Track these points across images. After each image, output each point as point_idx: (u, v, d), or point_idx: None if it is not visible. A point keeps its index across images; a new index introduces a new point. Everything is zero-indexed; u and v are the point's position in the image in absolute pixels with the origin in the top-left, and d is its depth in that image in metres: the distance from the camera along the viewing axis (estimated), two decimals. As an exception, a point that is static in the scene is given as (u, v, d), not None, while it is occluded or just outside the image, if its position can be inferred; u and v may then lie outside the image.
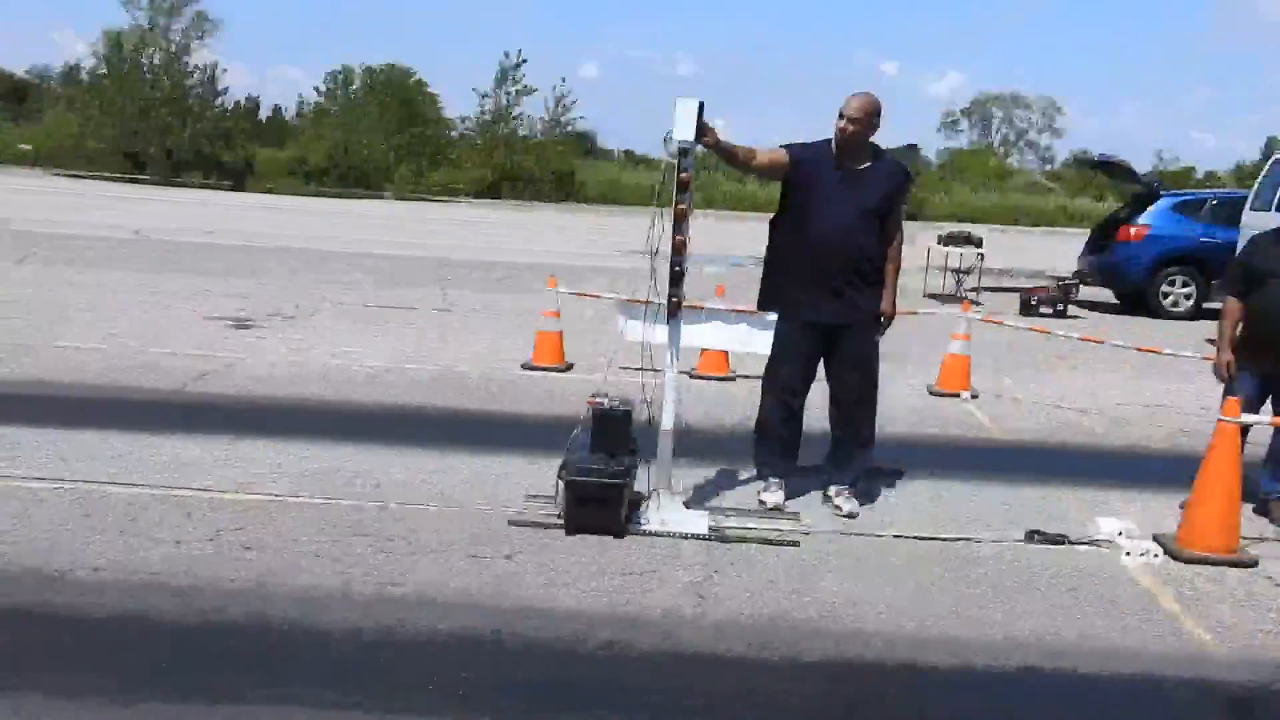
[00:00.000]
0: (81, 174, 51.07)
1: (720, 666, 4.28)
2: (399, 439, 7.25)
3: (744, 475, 6.72)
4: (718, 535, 5.73)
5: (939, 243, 17.84)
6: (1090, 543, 5.93)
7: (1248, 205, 14.27)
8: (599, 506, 5.62)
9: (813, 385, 6.35)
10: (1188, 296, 16.25)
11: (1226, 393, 6.33)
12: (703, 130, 5.57)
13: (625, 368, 9.83)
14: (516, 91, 56.70)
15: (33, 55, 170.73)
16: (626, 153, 72.18)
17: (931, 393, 9.88)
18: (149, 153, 55.18)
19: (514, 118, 57.19)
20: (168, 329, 10.99)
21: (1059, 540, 5.94)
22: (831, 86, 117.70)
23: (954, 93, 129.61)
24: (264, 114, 70.10)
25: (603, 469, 5.61)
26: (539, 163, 55.95)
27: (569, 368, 10.09)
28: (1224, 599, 5.24)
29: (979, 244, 17.61)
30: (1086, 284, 17.59)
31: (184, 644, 4.24)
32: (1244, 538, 6.07)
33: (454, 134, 61.57)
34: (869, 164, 6.03)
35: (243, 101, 66.38)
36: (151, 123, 54.71)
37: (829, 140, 6.02)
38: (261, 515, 5.66)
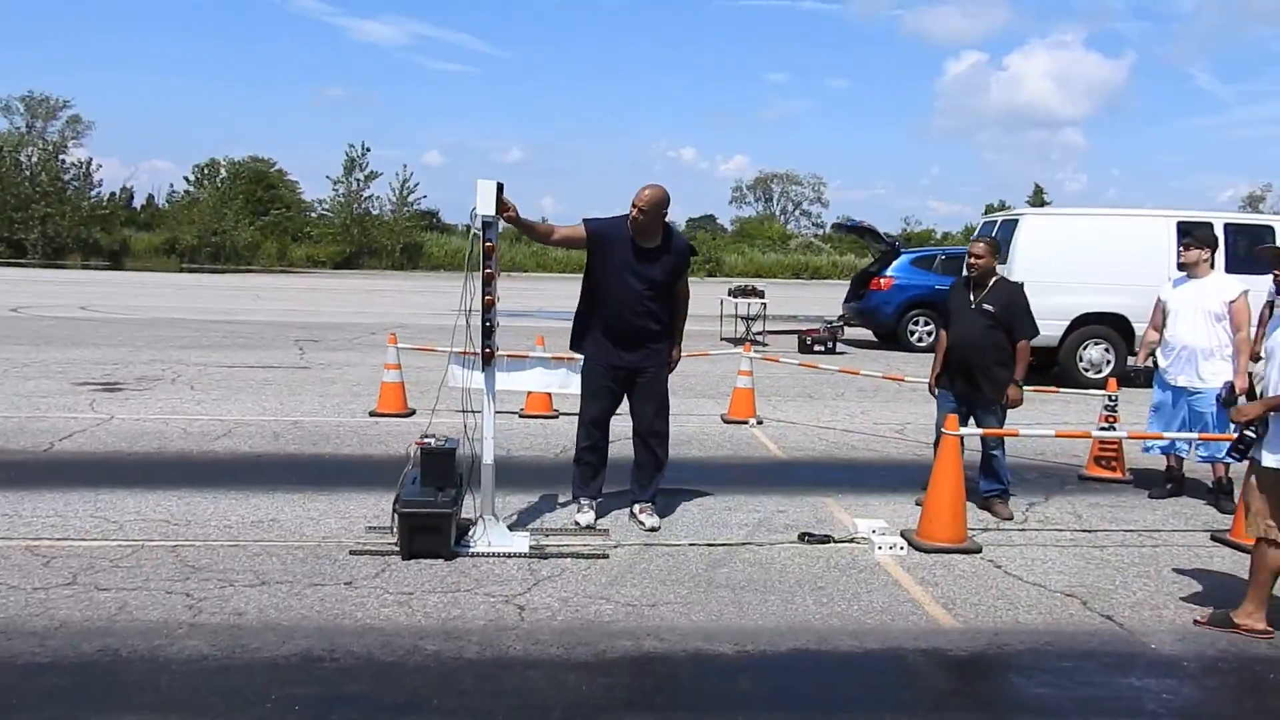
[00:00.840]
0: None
1: (535, 667, 4.19)
2: (251, 484, 6.91)
3: (563, 500, 6.66)
4: (537, 553, 5.65)
5: (729, 294, 18.21)
6: (850, 540, 6.08)
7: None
8: (429, 534, 5.47)
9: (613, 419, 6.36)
10: (929, 333, 17.01)
11: (940, 410, 6.66)
12: (504, 206, 5.55)
13: (461, 410, 9.68)
14: (365, 177, 55.91)
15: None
16: (467, 226, 71.38)
17: (724, 420, 10.01)
18: (30, 239, 52.26)
19: (365, 199, 56.31)
20: (38, 395, 10.27)
21: (825, 540, 6.06)
22: (640, 167, 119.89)
23: (741, 171, 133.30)
24: (138, 202, 67.18)
25: (431, 500, 5.47)
26: (390, 236, 55.26)
27: (411, 413, 9.85)
28: (954, 581, 5.42)
29: (762, 295, 18.07)
30: (850, 325, 18.21)
31: (36, 680, 3.92)
32: (971, 529, 6.33)
33: (313, 214, 60.36)
34: (659, 243, 6.09)
35: (118, 192, 63.52)
36: (31, 212, 51.94)
37: (626, 217, 6.06)
38: (118, 559, 5.31)
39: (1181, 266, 7.12)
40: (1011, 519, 6.66)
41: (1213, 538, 6.36)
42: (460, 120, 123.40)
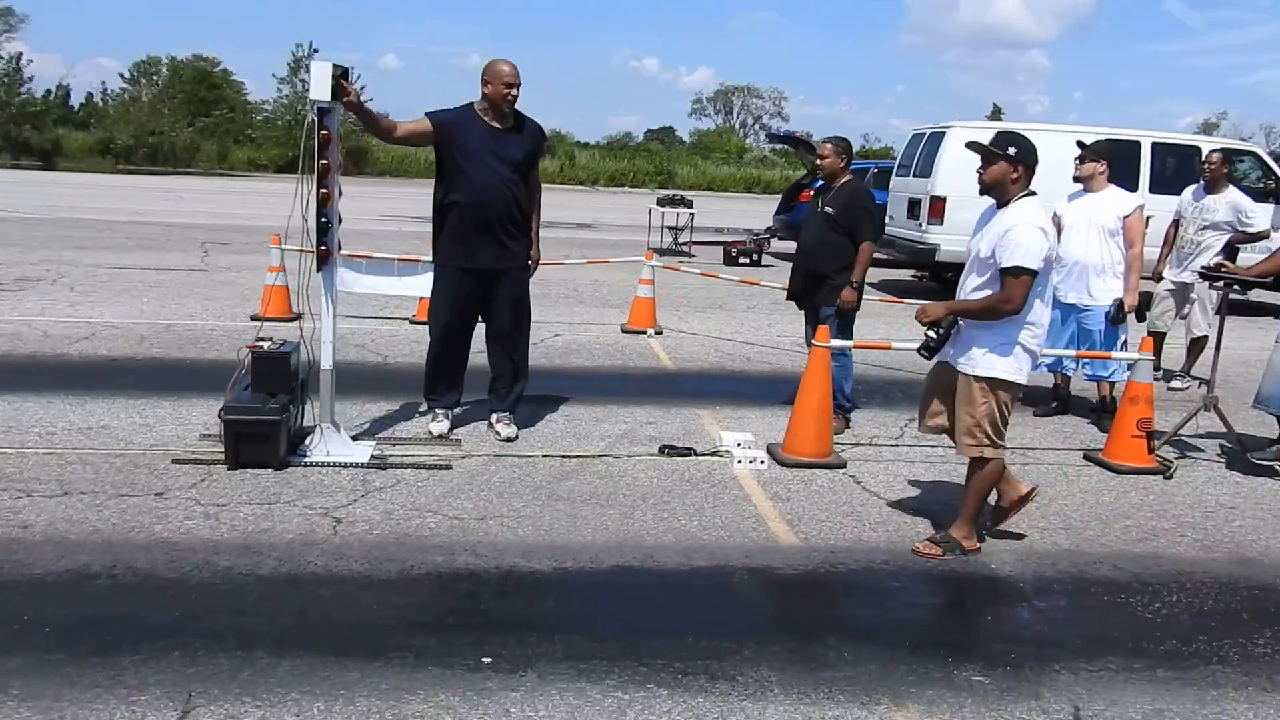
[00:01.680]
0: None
1: (331, 584, 3.91)
2: (94, 389, 6.51)
3: (424, 408, 6.34)
4: (378, 463, 5.35)
5: (657, 204, 17.77)
6: (713, 454, 5.84)
7: (894, 173, 14.71)
8: (256, 443, 5.14)
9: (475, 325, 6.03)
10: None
11: (807, 321, 6.40)
12: (344, 91, 5.12)
13: (351, 316, 9.33)
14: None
15: None
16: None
17: (623, 330, 9.71)
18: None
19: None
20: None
21: (686, 452, 5.82)
22: (603, 77, 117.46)
23: (704, 83, 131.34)
24: (77, 100, 64.65)
25: (259, 407, 5.13)
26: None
27: (297, 317, 9.39)
28: (809, 497, 5.21)
29: (690, 205, 17.64)
30: (779, 238, 17.88)
31: None
32: (843, 444, 6.12)
33: (257, 118, 58.37)
34: (513, 124, 5.71)
35: (53, 89, 61.00)
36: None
37: (472, 105, 5.67)
38: (-87, 466, 4.93)
39: (1077, 180, 6.83)
40: (840, 433, 6.33)
41: (1085, 457, 6.21)
42: (419, 23, 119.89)
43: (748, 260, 16.17)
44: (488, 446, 5.78)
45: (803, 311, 6.82)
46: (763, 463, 5.66)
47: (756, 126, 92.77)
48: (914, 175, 13.46)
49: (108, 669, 3.19)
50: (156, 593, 3.76)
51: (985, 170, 4.30)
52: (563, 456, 5.68)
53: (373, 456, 5.43)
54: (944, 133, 12.95)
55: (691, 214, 17.55)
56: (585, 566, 4.22)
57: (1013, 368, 4.31)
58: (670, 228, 17.75)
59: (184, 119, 54.22)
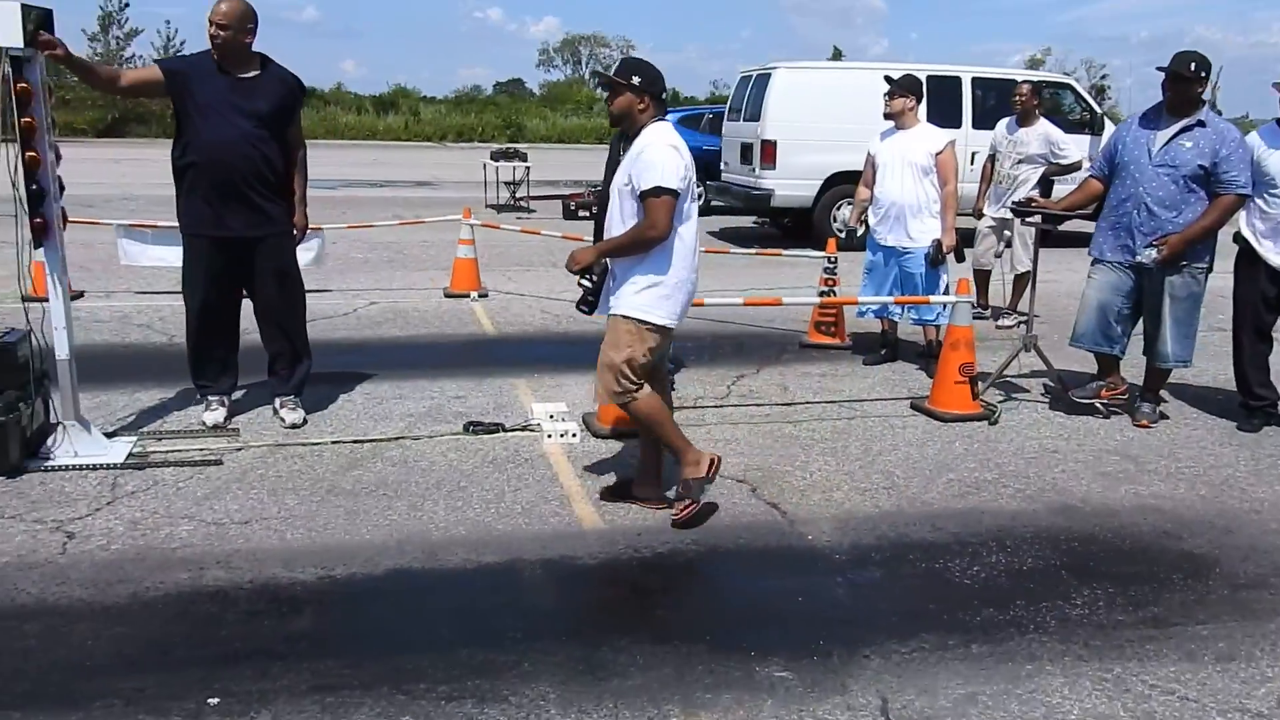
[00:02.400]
0: None
1: (39, 617, 3.31)
2: None
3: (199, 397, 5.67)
4: (136, 462, 4.70)
5: (491, 159, 17.05)
6: (524, 428, 5.38)
7: (725, 117, 14.40)
8: (-27, 443, 4.43)
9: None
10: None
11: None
12: (49, 44, 4.37)
13: (142, 292, 8.50)
14: (125, 34, 50.45)
15: None
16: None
17: (446, 295, 9.12)
18: None
19: (125, 59, 50.84)
20: None
21: (494, 429, 5.34)
22: (446, 28, 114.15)
23: (551, 33, 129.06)
24: None
25: (-31, 403, 4.41)
26: (160, 101, 50.34)
27: (79, 295, 8.52)
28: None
29: (525, 158, 16.98)
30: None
31: None
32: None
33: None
34: (257, 73, 5.04)
35: None
36: None
37: (209, 53, 4.99)
38: None
39: (888, 117, 6.57)
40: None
41: (912, 406, 6.00)
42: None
43: (586, 214, 15.65)
44: (270, 436, 5.18)
45: None
46: (575, 435, 5.24)
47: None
48: (744, 119, 13.16)
49: None
50: None
51: (611, 101, 4.06)
52: (355, 442, 5.13)
53: (131, 455, 4.78)
54: (769, 74, 12.67)
55: (528, 168, 16.90)
56: (357, 572, 3.71)
57: (665, 311, 4.04)
58: (507, 183, 17.07)
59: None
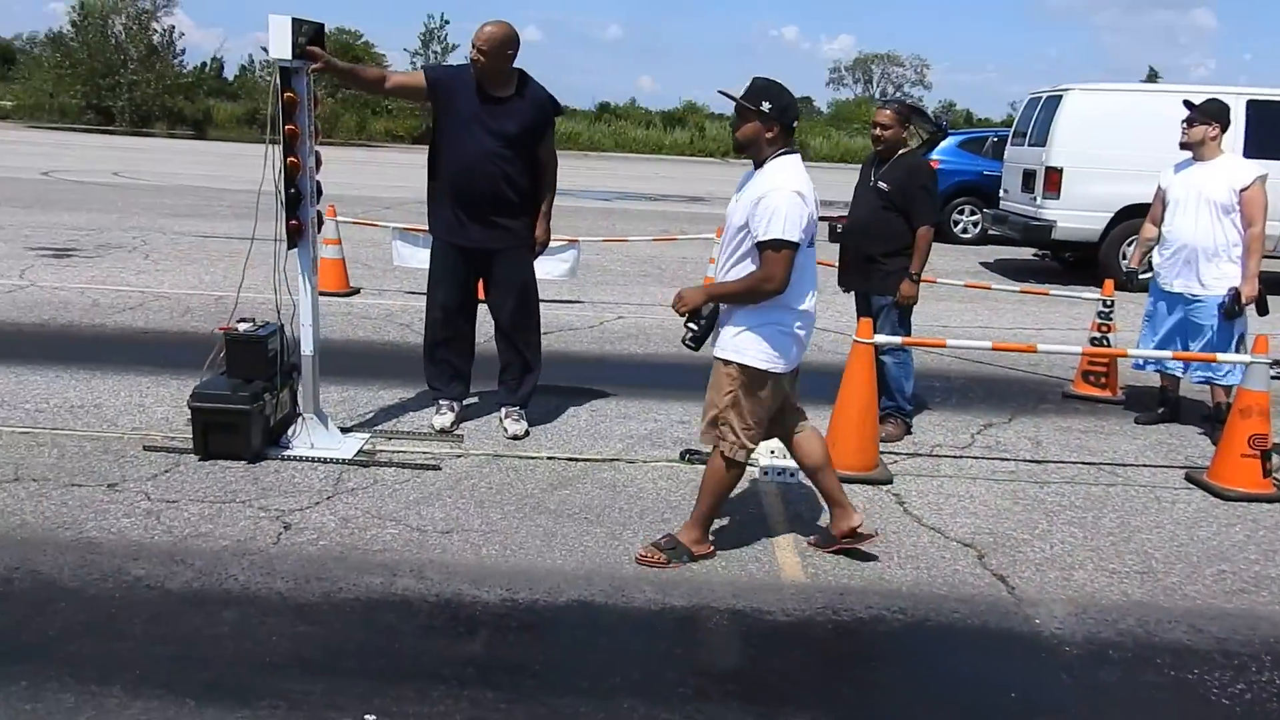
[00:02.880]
0: (56, 126, 48.31)
1: (238, 605, 3.41)
2: (109, 362, 6.25)
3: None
4: (363, 459, 4.86)
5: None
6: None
7: (1009, 141, 13.45)
8: (226, 432, 4.72)
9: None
10: (975, 223, 15.56)
11: (859, 314, 5.56)
12: (311, 54, 4.60)
13: (412, 292, 8.96)
14: (443, 50, 54.56)
15: (29, 23, 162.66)
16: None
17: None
18: (117, 106, 52.34)
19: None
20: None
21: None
22: (743, 47, 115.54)
23: (845, 51, 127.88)
24: (231, 73, 67.30)
25: (228, 394, 4.69)
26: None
27: (354, 292, 9.12)
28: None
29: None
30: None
31: None
32: (900, 454, 5.35)
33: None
34: (512, 92, 5.09)
35: (208, 62, 63.68)
36: (118, 79, 51.92)
37: (470, 66, 5.10)
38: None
39: (1184, 147, 5.79)
40: (898, 439, 5.59)
41: (1187, 477, 5.24)
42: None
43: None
44: (491, 445, 5.23)
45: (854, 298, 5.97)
46: (795, 475, 4.94)
47: (898, 95, 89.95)
48: (1029, 144, 12.24)
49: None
50: (41, 605, 3.34)
51: (737, 127, 3.73)
52: (569, 459, 5.08)
53: (360, 451, 4.95)
54: (1061, 96, 11.71)
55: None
56: (540, 599, 3.61)
57: (768, 354, 3.75)
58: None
59: (325, 90, 55.65)
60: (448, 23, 53.83)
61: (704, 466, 4.97)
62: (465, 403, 5.61)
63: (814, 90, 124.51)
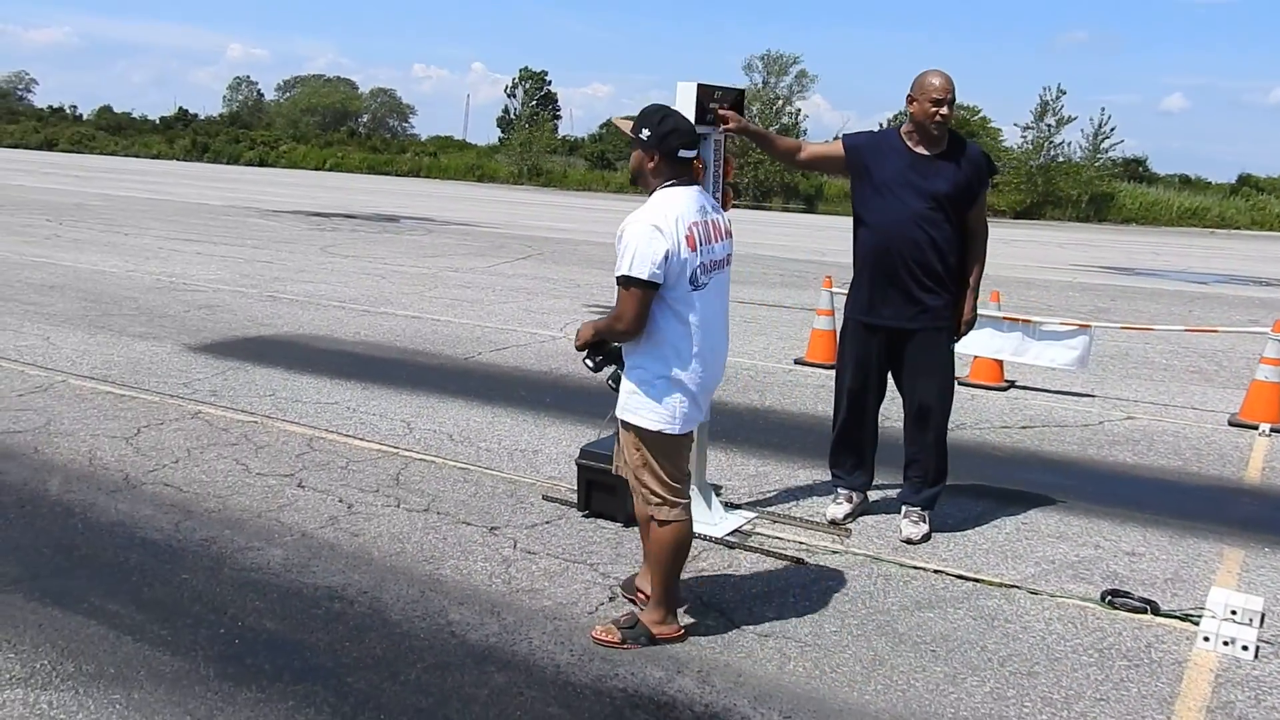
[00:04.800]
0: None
1: (514, 669, 3.37)
2: (569, 412, 6.72)
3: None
4: (734, 540, 4.63)
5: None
6: (1181, 617, 4.02)
7: None
8: (606, 493, 4.78)
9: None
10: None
11: None
12: (723, 118, 4.54)
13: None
14: (1058, 122, 51.95)
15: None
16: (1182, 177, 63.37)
17: (1230, 423, 7.36)
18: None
19: (1055, 145, 52.41)
20: (535, 312, 11.18)
21: (1140, 608, 4.07)
22: None
23: None
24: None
25: (609, 455, 4.71)
26: (1075, 185, 51.06)
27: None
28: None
29: None
30: None
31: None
32: None
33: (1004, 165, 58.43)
34: (945, 148, 4.56)
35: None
36: (747, 158, 57.31)
37: (897, 129, 4.66)
38: (351, 460, 5.47)
39: None
40: None
41: None
42: (1209, 58, 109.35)
43: None
44: (878, 546, 4.67)
45: None
46: (1249, 649, 3.72)
47: None
48: None
49: (198, 694, 3.07)
50: (358, 632, 3.59)
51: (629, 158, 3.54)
52: (959, 577, 4.35)
53: (736, 531, 4.73)
54: None
55: None
56: (808, 741, 3.08)
57: (659, 415, 3.43)
58: None
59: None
60: (1064, 93, 51.27)
61: (1132, 616, 4.02)
62: (868, 495, 5.10)
63: None
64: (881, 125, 62.81)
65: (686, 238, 3.34)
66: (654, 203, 3.41)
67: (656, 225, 3.31)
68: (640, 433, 3.49)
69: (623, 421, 3.55)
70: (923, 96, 4.50)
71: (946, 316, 4.68)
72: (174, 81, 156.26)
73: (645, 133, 3.44)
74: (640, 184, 3.53)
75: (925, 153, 4.57)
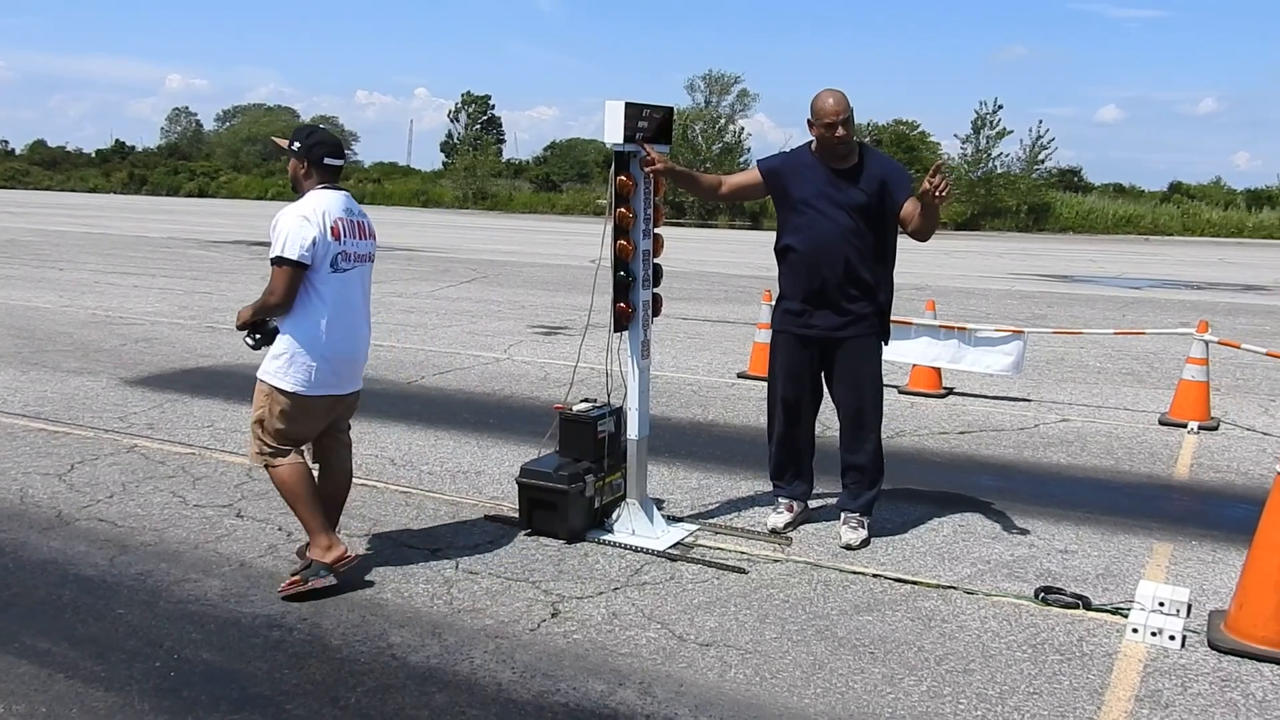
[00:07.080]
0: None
1: (446, 690, 3.36)
2: (511, 432, 6.73)
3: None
4: (676, 553, 4.66)
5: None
6: (1112, 611, 4.12)
7: None
8: (547, 510, 4.79)
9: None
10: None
11: None
12: (648, 161, 4.59)
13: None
14: (996, 135, 52.97)
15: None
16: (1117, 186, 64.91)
17: (1161, 421, 7.56)
18: (687, 200, 57.75)
19: (993, 157, 53.41)
20: (481, 334, 11.19)
21: (1073, 604, 4.17)
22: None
23: None
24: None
25: (549, 473, 4.76)
26: (1014, 196, 52.04)
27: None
28: (1208, 717, 3.34)
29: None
30: None
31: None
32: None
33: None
34: (855, 161, 4.67)
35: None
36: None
37: (808, 147, 4.76)
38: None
39: None
40: None
41: None
42: (1142, 71, 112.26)
43: None
44: (818, 553, 4.73)
45: None
46: (1175, 639, 3.82)
47: None
48: None
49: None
50: (298, 659, 3.55)
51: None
52: (897, 579, 4.42)
53: (678, 544, 4.76)
54: None
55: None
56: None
57: (283, 375, 4.02)
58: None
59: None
60: (1001, 106, 52.26)
61: (1061, 611, 4.12)
62: (809, 504, 5.17)
63: None
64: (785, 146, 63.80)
65: (332, 228, 3.96)
66: (305, 200, 4.02)
67: (305, 216, 3.94)
68: (274, 392, 4.02)
69: (259, 379, 4.08)
70: (819, 121, 4.59)
71: (875, 324, 4.78)
72: (112, 115, 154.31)
73: (295, 145, 4.09)
74: (296, 188, 4.12)
75: (839, 167, 4.67)
